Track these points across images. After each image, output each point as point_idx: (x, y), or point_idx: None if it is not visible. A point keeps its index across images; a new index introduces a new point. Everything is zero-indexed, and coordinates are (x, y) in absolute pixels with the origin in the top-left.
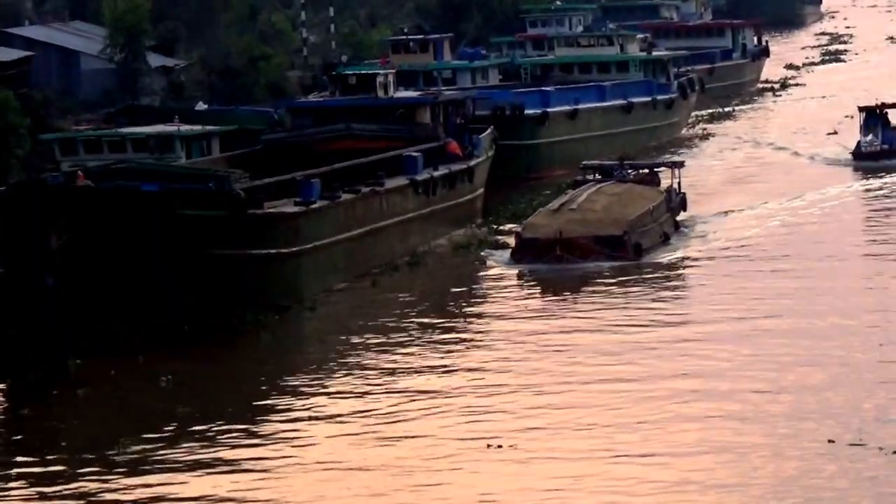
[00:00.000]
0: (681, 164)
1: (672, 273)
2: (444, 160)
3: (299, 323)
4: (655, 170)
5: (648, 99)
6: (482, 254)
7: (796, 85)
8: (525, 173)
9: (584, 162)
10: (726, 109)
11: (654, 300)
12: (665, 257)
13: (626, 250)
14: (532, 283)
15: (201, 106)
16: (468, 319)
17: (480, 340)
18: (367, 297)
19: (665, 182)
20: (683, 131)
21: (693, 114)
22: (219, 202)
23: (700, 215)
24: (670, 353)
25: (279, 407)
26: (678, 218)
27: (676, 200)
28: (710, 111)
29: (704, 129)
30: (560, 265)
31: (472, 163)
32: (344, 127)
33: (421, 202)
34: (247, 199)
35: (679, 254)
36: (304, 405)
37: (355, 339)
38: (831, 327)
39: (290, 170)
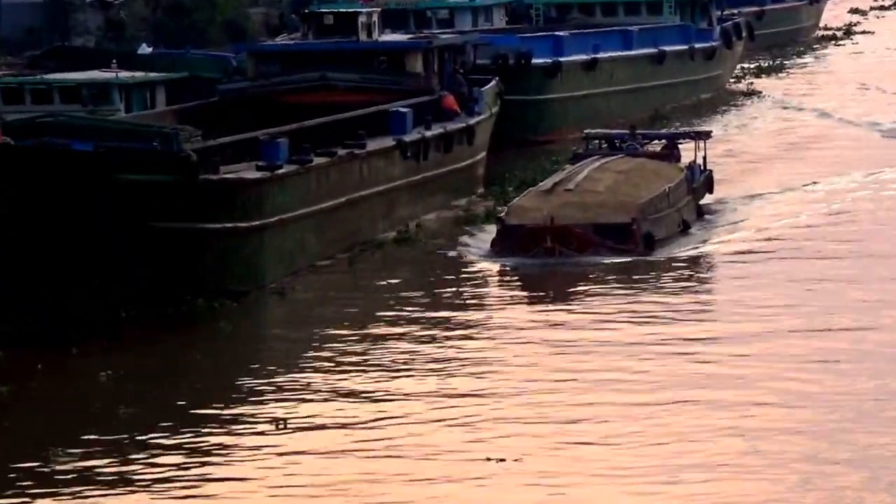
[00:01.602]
0: (707, 135)
1: (692, 272)
2: (439, 117)
3: (263, 311)
4: (675, 141)
5: (685, 47)
6: (461, 238)
7: (863, 33)
8: (532, 135)
9: (587, 131)
10: (778, 61)
11: (668, 308)
12: (683, 252)
13: (634, 242)
14: (516, 283)
15: (145, 49)
16: (446, 318)
17: (466, 344)
18: (344, 281)
19: (687, 157)
20: (727, 86)
21: (738, 66)
22: (165, 165)
23: (730, 198)
24: (690, 374)
25: (239, 410)
26: (702, 202)
27: (700, 180)
28: (759, 63)
29: (751, 84)
30: (551, 259)
31: (473, 121)
32: (318, 76)
33: (410, 168)
34: (199, 161)
35: (701, 248)
36: (268, 408)
37: (329, 332)
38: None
39: (251, 127)
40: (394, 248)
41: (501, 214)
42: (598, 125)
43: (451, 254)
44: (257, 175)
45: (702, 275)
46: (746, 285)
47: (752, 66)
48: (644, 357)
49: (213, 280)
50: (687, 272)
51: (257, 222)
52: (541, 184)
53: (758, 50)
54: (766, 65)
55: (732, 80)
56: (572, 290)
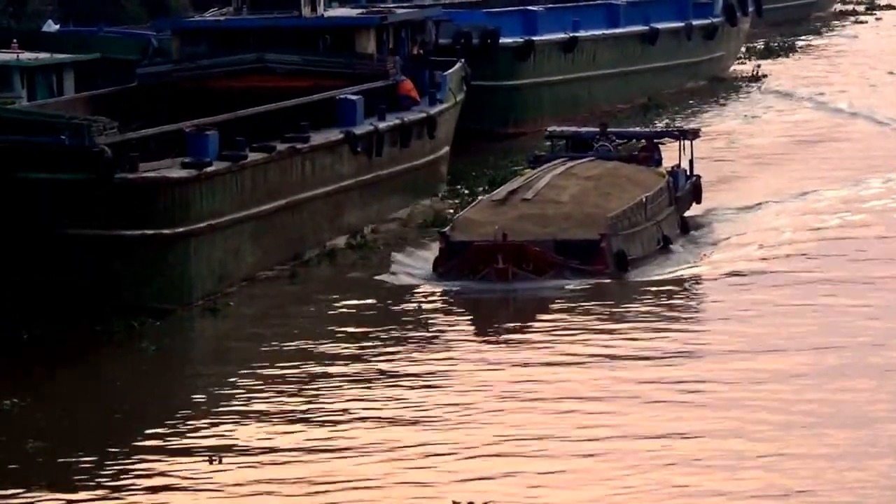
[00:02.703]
0: (694, 134)
1: (673, 299)
2: (395, 106)
3: (191, 331)
4: (656, 141)
5: (681, 24)
6: (398, 255)
7: (887, 7)
8: (499, 128)
9: (550, 128)
10: (789, 41)
11: (644, 344)
12: (663, 274)
13: (603, 262)
14: (461, 313)
15: (51, 26)
16: (387, 355)
17: (405, 385)
18: (285, 296)
19: (671, 159)
20: (730, 70)
21: (743, 46)
22: (75, 162)
23: (721, 209)
24: (670, 423)
25: (166, 445)
26: (687, 213)
27: (685, 188)
28: (767, 43)
29: (757, 67)
30: (504, 284)
31: (434, 110)
32: (253, 58)
33: (361, 165)
34: (114, 158)
35: (684, 269)
36: (200, 443)
37: (265, 357)
38: None
39: (176, 118)
40: (345, 258)
41: (445, 229)
42: (578, 116)
43: (387, 276)
44: (182, 174)
45: (684, 302)
46: (738, 316)
47: (759, 45)
48: (617, 404)
49: (131, 296)
50: (666, 299)
51: (183, 229)
52: (493, 193)
53: (766, 27)
54: (776, 45)
55: (736, 63)
56: (529, 322)
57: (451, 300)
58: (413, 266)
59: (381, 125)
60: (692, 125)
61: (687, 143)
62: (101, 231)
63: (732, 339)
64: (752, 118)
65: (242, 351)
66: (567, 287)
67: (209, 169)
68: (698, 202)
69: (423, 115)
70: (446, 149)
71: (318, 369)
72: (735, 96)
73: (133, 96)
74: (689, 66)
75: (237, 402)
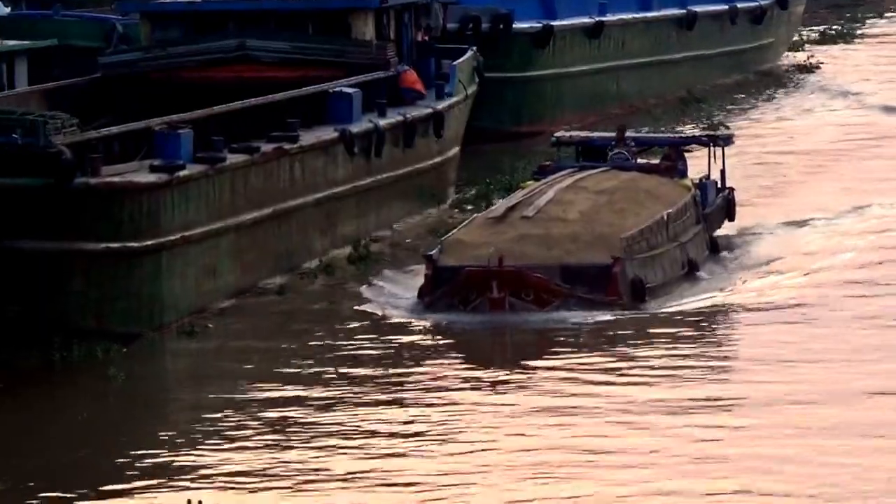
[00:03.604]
0: (726, 140)
1: (698, 335)
2: (397, 100)
3: (162, 359)
4: (682, 148)
5: (724, 7)
6: (371, 280)
7: None
8: (511, 126)
9: (558, 134)
10: (848, 26)
11: (665, 390)
12: (687, 304)
13: (615, 291)
14: (449, 353)
15: (1, 9)
16: (372, 404)
17: (388, 443)
18: (267, 323)
19: (696, 168)
20: (781, 60)
21: (796, 32)
22: (28, 164)
23: (759, 226)
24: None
25: (137, 491)
26: (717, 233)
27: (716, 203)
28: (823, 28)
29: (810, 56)
30: (499, 316)
31: (442, 105)
32: (234, 45)
33: (358, 168)
34: (74, 159)
35: (712, 300)
36: (177, 490)
37: (244, 399)
38: None
39: (144, 114)
40: (337, 276)
41: (432, 252)
42: (603, 112)
43: (369, 306)
44: (152, 178)
45: (712, 340)
46: (776, 357)
47: (814, 31)
48: (637, 460)
49: (92, 318)
50: (691, 335)
51: (152, 242)
52: (491, 209)
53: (822, 11)
54: (833, 31)
55: (788, 52)
56: (528, 363)
57: (440, 336)
58: (398, 293)
59: (381, 122)
60: (729, 126)
61: (718, 149)
62: (58, 244)
63: (770, 385)
64: (802, 116)
65: (219, 386)
66: (574, 321)
67: (182, 173)
68: (731, 219)
69: (430, 110)
70: (456, 149)
71: (303, 415)
72: (785, 91)
73: (95, 89)
74: (732, 56)
75: (211, 452)
